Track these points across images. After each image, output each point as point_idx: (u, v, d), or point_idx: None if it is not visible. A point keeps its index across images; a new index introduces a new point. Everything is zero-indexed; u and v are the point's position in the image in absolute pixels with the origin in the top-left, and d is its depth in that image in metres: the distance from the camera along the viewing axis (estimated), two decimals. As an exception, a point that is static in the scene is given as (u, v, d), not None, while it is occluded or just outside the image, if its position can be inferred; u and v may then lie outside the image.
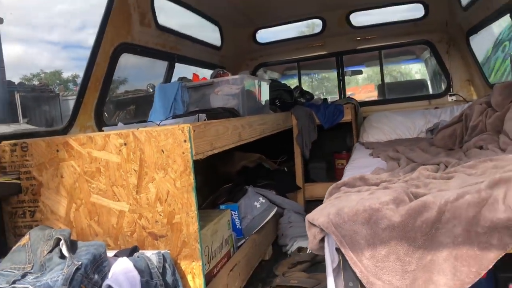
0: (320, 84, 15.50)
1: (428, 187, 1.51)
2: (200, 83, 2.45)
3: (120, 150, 1.54)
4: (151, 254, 1.41)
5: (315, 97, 4.12)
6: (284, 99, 3.52)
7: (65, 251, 1.30)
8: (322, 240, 1.43)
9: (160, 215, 1.52)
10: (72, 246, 1.34)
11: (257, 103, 2.67)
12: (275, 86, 3.52)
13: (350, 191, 1.61)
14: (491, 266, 1.20)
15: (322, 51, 4.15)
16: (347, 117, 3.47)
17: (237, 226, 2.14)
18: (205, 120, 2.01)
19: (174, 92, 2.35)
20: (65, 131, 2.12)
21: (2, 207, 1.69)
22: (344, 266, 1.38)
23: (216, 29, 3.76)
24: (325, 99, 4.00)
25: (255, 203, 2.27)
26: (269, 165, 3.53)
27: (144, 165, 1.52)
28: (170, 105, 2.33)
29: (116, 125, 2.14)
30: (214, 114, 2.15)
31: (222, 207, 2.14)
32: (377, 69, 4.54)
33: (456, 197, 1.27)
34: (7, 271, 1.30)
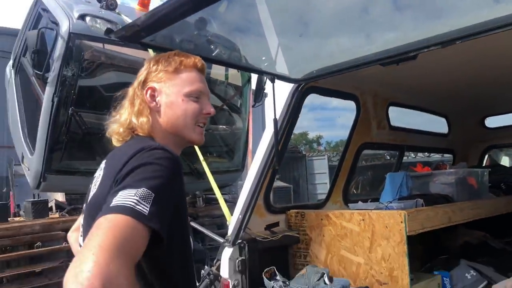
0: None
1: None
2: (421, 174, 3.17)
3: (359, 223, 2.43)
4: (376, 293, 2.21)
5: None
6: (510, 182, 3.79)
7: (326, 281, 2.24)
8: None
9: (384, 269, 2.31)
10: (330, 280, 2.28)
11: (473, 189, 3.17)
12: (500, 170, 3.84)
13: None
14: None
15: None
16: None
17: (448, 290, 2.69)
18: (422, 204, 2.72)
19: (401, 179, 3.13)
20: (323, 204, 3.18)
21: (288, 251, 2.80)
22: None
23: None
24: None
25: (466, 275, 2.76)
26: (495, 244, 3.78)
27: (374, 234, 2.36)
28: (397, 189, 3.11)
29: (357, 202, 3.06)
30: (430, 199, 2.83)
31: (435, 272, 2.74)
32: None
33: None
34: (296, 286, 2.33)
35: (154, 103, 1.32)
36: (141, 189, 0.98)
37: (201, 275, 3.72)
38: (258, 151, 2.59)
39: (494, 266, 3.34)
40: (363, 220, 2.42)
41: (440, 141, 4.35)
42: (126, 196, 0.96)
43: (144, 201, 0.96)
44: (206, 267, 3.82)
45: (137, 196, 0.96)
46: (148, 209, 0.95)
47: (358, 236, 2.43)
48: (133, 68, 4.76)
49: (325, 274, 2.27)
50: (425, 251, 3.53)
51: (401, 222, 2.25)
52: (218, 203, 4.09)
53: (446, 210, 2.63)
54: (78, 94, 4.74)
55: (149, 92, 1.32)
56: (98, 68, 5.13)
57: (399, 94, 3.55)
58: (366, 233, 2.40)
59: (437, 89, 3.45)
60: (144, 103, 1.33)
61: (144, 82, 1.36)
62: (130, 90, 1.37)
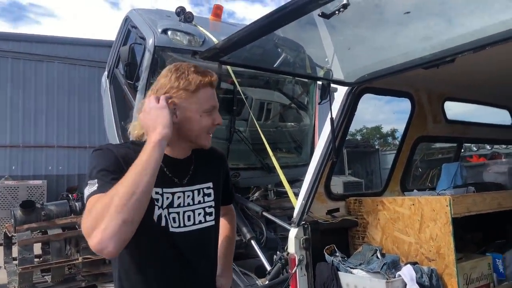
0: None
1: None
2: (475, 164, 3.38)
3: (410, 207, 2.75)
4: (425, 268, 2.52)
5: None
6: None
7: (379, 256, 2.60)
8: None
9: (432, 247, 2.61)
10: (383, 255, 2.63)
11: (529, 178, 3.31)
12: None
13: None
14: None
15: None
16: None
17: (500, 271, 2.90)
18: (473, 191, 2.96)
19: (455, 169, 3.36)
20: (381, 192, 3.49)
21: (347, 233, 3.17)
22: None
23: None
24: None
25: (518, 257, 2.95)
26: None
27: (423, 217, 2.66)
28: (452, 178, 3.35)
29: (413, 190, 3.35)
30: (482, 187, 3.05)
31: (487, 254, 2.96)
32: None
33: None
34: (352, 261, 2.71)
35: (175, 116, 1.56)
36: None
37: (274, 260, 4.21)
38: (318, 146, 3.00)
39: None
40: (413, 205, 2.73)
41: (503, 133, 4.41)
42: None
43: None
44: (278, 252, 4.31)
45: None
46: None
47: (409, 219, 2.75)
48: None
49: (378, 251, 2.63)
50: (486, 239, 3.70)
51: (447, 205, 2.54)
52: (288, 196, 4.53)
53: (495, 196, 2.85)
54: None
55: (171, 107, 1.55)
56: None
57: (455, 90, 3.74)
58: (416, 216, 2.70)
59: (496, 82, 3.58)
60: None
61: (159, 91, 1.60)
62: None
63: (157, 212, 1.56)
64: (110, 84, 6.57)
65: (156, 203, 1.55)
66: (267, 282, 3.90)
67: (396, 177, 3.56)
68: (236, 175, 6.04)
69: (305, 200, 2.86)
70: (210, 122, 1.62)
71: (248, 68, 3.48)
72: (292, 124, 7.12)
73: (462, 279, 2.59)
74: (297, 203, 2.93)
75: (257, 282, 4.42)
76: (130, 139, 1.71)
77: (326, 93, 6.17)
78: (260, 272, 4.53)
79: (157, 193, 1.56)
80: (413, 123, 3.58)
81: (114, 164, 1.48)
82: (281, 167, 4.91)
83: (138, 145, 1.55)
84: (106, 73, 6.90)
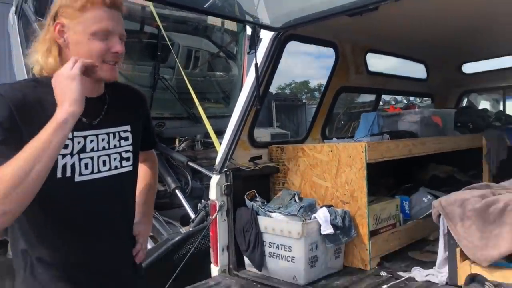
0: None
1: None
2: (391, 113, 3.54)
3: (328, 154, 2.83)
4: (339, 210, 2.64)
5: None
6: (477, 122, 4.16)
7: (297, 200, 2.67)
8: (439, 216, 2.37)
9: (347, 191, 2.73)
10: (300, 199, 2.70)
11: (438, 127, 3.54)
12: (470, 112, 4.20)
13: (472, 188, 2.47)
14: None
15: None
16: (540, 141, 3.84)
17: (406, 211, 3.14)
18: (388, 139, 3.11)
19: (373, 119, 3.50)
20: (303, 140, 3.57)
21: (269, 179, 3.21)
22: (448, 231, 2.29)
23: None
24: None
25: (423, 199, 3.20)
26: (461, 177, 4.22)
27: (340, 163, 2.76)
28: (369, 127, 3.49)
29: (332, 139, 3.45)
30: (396, 135, 3.21)
31: (396, 197, 3.18)
32: None
33: (516, 196, 2.04)
34: (272, 206, 2.76)
35: (62, 39, 1.36)
36: None
37: (198, 208, 4.21)
38: (242, 93, 2.94)
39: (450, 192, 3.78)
40: (331, 151, 2.81)
41: (419, 86, 4.66)
42: None
43: None
44: (202, 201, 4.30)
45: None
46: None
47: (327, 165, 2.83)
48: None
49: (296, 195, 2.70)
50: (396, 184, 3.97)
51: (362, 152, 2.64)
52: (215, 147, 4.49)
53: (407, 143, 3.02)
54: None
55: (58, 27, 1.35)
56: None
57: (377, 42, 3.83)
58: (334, 162, 2.79)
59: (416, 36, 3.71)
60: (53, 39, 1.37)
61: (55, 16, 1.37)
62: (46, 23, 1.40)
63: (61, 162, 1.37)
64: (19, 20, 5.93)
65: (64, 150, 1.35)
66: (190, 229, 3.90)
67: (317, 125, 3.63)
68: (161, 124, 5.88)
69: (227, 147, 2.83)
70: (102, 47, 1.36)
71: (174, 6, 3.27)
72: (221, 74, 7.00)
73: (372, 219, 2.76)
74: (220, 150, 2.89)
75: (180, 230, 4.43)
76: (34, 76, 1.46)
77: (255, 42, 6.09)
78: (185, 220, 4.52)
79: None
80: (336, 73, 3.63)
81: (3, 117, 1.25)
82: (208, 118, 4.83)
83: (40, 83, 1.37)
84: (13, 8, 6.20)
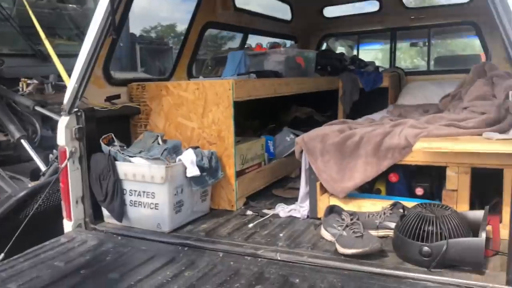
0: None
1: (377, 127, 2.38)
2: (258, 52, 3.47)
3: (194, 92, 2.64)
4: (205, 151, 2.52)
5: (370, 65, 4.85)
6: (335, 66, 4.37)
7: (160, 142, 2.47)
8: (302, 152, 2.41)
9: (214, 131, 2.62)
10: (164, 142, 2.50)
11: (301, 68, 3.60)
12: (329, 55, 4.38)
13: (332, 124, 2.56)
14: (384, 169, 2.10)
15: (379, 27, 4.83)
16: (385, 83, 4.21)
17: (270, 150, 3.19)
18: (254, 78, 3.03)
19: (239, 58, 3.39)
20: (167, 79, 3.31)
21: (130, 122, 2.92)
22: (309, 167, 2.35)
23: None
24: (377, 67, 4.73)
25: (287, 138, 3.28)
26: (318, 117, 4.45)
27: (207, 101, 2.61)
28: (236, 66, 3.39)
29: (198, 77, 3.26)
30: (263, 74, 3.16)
31: (262, 136, 3.19)
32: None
33: (371, 130, 2.16)
34: (132, 150, 2.51)
35: None
36: None
37: (50, 160, 3.70)
38: (94, 18, 2.50)
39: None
40: (197, 89, 2.63)
41: (284, 27, 4.68)
42: None
43: None
44: (55, 151, 3.79)
45: None
46: None
47: (193, 104, 2.66)
48: None
49: (159, 137, 2.49)
50: (262, 125, 4.01)
51: (229, 89, 2.52)
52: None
53: (273, 83, 2.99)
54: None
55: None
56: None
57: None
58: (200, 101, 2.63)
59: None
60: None
61: None
62: None
63: None
64: None
65: None
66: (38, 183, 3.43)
67: (183, 63, 3.40)
68: (0, 62, 5.03)
69: (77, 84, 2.43)
70: None
71: None
72: (74, 6, 6.21)
73: (239, 159, 2.71)
74: (68, 87, 2.48)
75: (29, 185, 3.89)
76: None
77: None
78: (35, 174, 4.00)
79: None
80: (202, 7, 3.39)
81: None
82: (59, 56, 4.20)
83: None
84: None
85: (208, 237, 2.23)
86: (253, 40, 4.44)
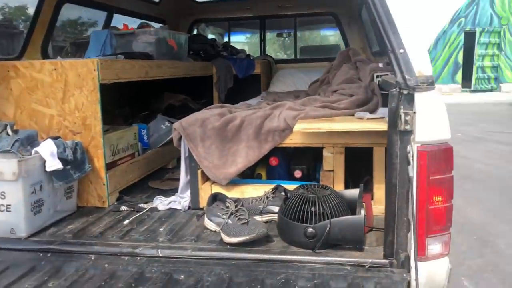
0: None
1: (257, 110, 2.35)
2: (125, 32, 3.17)
3: (51, 73, 2.28)
4: (68, 142, 2.19)
5: (242, 53, 4.87)
6: (208, 51, 4.27)
7: (10, 133, 2.07)
8: (180, 139, 2.26)
9: (77, 118, 2.29)
10: (16, 132, 2.11)
11: (173, 51, 3.41)
12: (201, 40, 4.26)
13: (211, 109, 2.45)
14: (266, 153, 2.08)
15: (249, 14, 4.87)
16: (257, 70, 4.26)
17: (144, 140, 2.95)
18: (122, 59, 2.75)
19: (104, 38, 3.05)
20: (17, 59, 2.81)
21: (-32, 109, 2.41)
22: (189, 154, 2.22)
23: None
24: (249, 55, 4.77)
25: (162, 126, 3.07)
26: (193, 105, 4.31)
27: (68, 84, 2.27)
28: (101, 47, 3.04)
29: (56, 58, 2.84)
30: (131, 55, 2.89)
31: (134, 125, 2.93)
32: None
33: (251, 113, 2.11)
34: (-28, 142, 2.06)
35: None
36: None
37: None
38: None
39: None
40: (55, 69, 2.27)
41: (151, 9, 4.40)
42: None
43: None
44: None
45: None
46: None
47: (50, 88, 2.29)
48: None
49: (8, 126, 2.08)
50: (133, 114, 3.72)
51: (94, 70, 2.22)
52: None
53: (144, 65, 2.75)
54: None
55: None
56: None
57: None
58: (59, 83, 2.28)
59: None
60: None
61: None
62: None
63: None
64: None
65: None
66: None
67: (36, 42, 2.92)
68: None
69: None
70: None
71: None
72: None
73: (108, 150, 2.44)
74: None
75: None
76: None
77: None
78: None
79: None
80: (57, -23, 2.95)
81: None
82: None
83: None
84: None
85: (76, 239, 1.95)
86: (119, 22, 4.08)
